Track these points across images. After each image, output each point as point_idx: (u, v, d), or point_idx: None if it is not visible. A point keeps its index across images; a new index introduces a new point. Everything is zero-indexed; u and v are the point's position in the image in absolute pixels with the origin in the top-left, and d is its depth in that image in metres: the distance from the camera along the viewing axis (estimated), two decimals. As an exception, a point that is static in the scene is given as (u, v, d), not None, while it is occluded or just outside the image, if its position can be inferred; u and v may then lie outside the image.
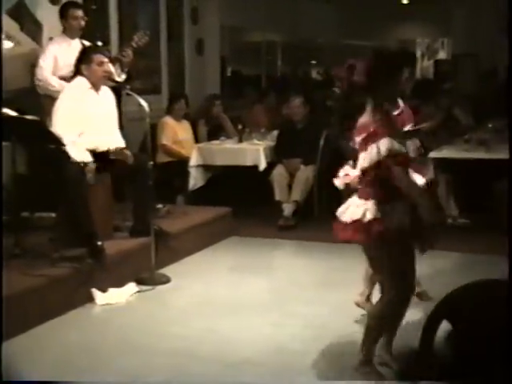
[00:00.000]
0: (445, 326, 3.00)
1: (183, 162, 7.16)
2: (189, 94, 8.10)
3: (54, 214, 5.45)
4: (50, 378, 3.59)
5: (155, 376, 3.64)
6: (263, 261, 5.91)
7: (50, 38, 6.12)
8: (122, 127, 5.63)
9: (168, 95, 8.22)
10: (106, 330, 4.33)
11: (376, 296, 4.24)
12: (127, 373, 3.68)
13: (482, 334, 2.86)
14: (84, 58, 5.24)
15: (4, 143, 4.85)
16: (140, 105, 5.06)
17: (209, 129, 7.95)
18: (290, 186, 7.01)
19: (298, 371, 3.68)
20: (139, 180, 5.20)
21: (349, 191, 3.69)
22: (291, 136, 7.24)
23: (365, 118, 3.29)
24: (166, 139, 7.22)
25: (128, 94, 5.47)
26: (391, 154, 3.16)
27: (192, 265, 5.71)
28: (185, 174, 7.10)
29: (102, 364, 3.79)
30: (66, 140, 4.82)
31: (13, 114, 4.83)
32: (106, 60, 5.25)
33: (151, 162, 5.17)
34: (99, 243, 4.85)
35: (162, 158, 7.14)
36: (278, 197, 6.96)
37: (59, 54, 5.71)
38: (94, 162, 5.03)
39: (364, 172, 3.31)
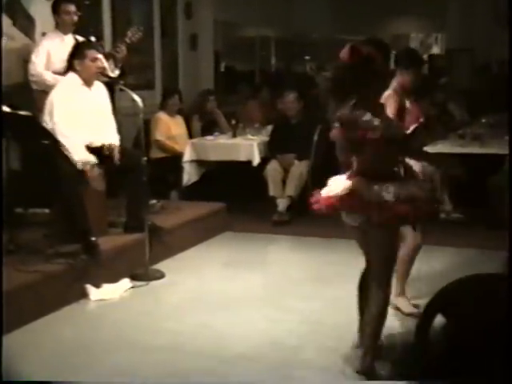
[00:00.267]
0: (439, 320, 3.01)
1: (177, 157, 7.15)
2: (182, 90, 8.09)
3: (48, 210, 5.45)
4: (45, 373, 3.58)
5: (150, 371, 3.63)
6: (257, 256, 5.91)
7: (43, 34, 6.10)
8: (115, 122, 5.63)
9: (162, 91, 8.18)
10: (101, 325, 4.32)
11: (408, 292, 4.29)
12: (121, 368, 3.67)
13: (477, 328, 2.87)
14: (77, 53, 5.23)
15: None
16: (133, 100, 5.04)
17: (203, 124, 7.93)
18: (284, 182, 7.00)
19: (293, 366, 3.67)
20: (133, 176, 5.20)
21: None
22: (285, 131, 7.23)
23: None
24: (159, 135, 7.20)
25: (121, 90, 5.45)
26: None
27: (186, 260, 5.70)
28: (179, 170, 7.09)
29: (96, 359, 3.79)
30: (66, 133, 4.82)
31: (6, 109, 4.81)
32: (99, 56, 5.23)
33: (145, 158, 5.16)
34: (93, 239, 4.85)
35: (156, 154, 7.12)
36: (272, 192, 6.96)
37: (52, 49, 5.69)
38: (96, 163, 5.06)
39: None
